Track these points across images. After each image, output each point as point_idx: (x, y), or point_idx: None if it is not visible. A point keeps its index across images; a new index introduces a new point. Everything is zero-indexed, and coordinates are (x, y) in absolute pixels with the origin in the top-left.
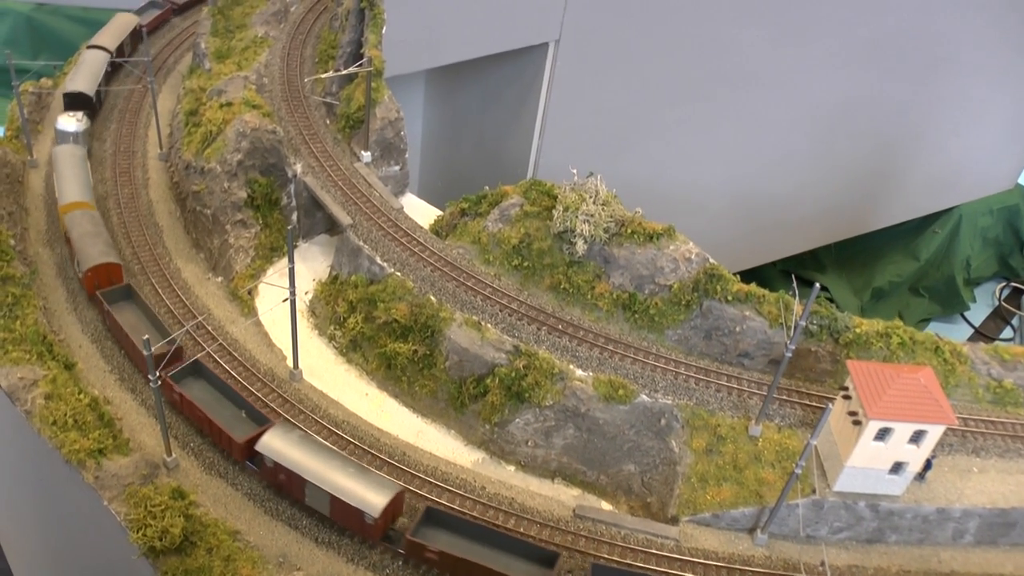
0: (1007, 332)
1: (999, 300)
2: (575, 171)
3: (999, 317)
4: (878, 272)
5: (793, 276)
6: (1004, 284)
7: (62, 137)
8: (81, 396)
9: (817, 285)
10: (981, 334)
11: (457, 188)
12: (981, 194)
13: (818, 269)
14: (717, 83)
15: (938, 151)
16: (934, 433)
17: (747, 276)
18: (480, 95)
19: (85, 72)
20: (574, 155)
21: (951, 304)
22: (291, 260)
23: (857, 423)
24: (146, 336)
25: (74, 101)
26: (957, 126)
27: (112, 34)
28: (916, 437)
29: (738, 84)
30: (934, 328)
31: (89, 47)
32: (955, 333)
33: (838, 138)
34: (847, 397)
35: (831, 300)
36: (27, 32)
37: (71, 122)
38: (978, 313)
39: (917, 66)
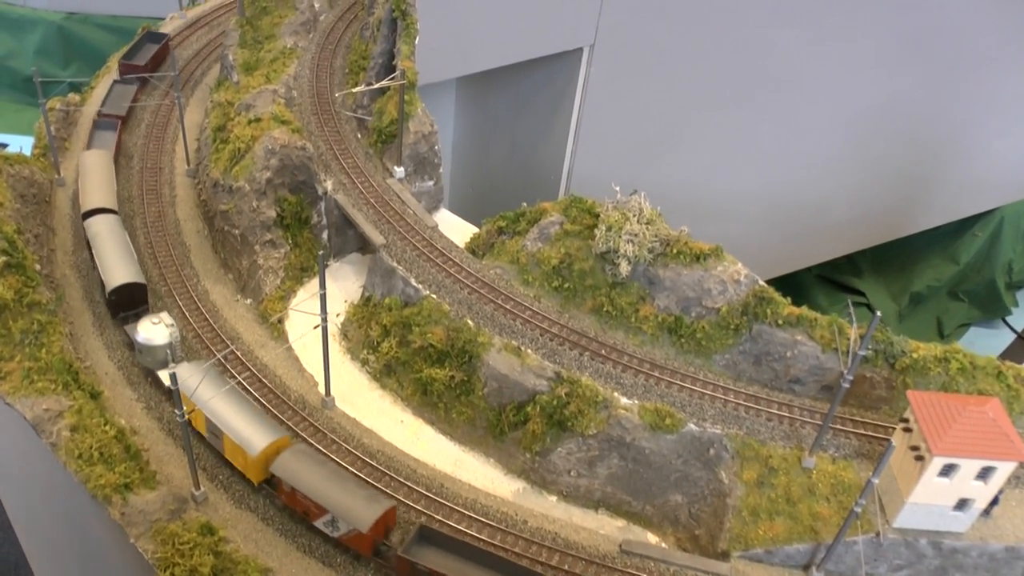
0: None
1: None
2: (618, 188)
3: None
4: (916, 276)
5: (849, 303)
6: None
7: (148, 352)
8: (107, 427)
9: (879, 313)
10: None
11: (489, 197)
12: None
13: (855, 274)
14: (752, 87)
15: (979, 152)
16: (1004, 470)
17: (783, 281)
18: (512, 101)
19: (119, 252)
20: (609, 162)
21: (992, 309)
22: (322, 286)
23: (920, 458)
24: (173, 371)
25: (125, 296)
26: (999, 125)
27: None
28: (984, 474)
29: (774, 87)
30: (974, 333)
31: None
32: (996, 338)
33: (876, 140)
34: (908, 430)
35: (867, 306)
36: (58, 41)
37: (159, 331)
38: (1021, 318)
39: (956, 65)
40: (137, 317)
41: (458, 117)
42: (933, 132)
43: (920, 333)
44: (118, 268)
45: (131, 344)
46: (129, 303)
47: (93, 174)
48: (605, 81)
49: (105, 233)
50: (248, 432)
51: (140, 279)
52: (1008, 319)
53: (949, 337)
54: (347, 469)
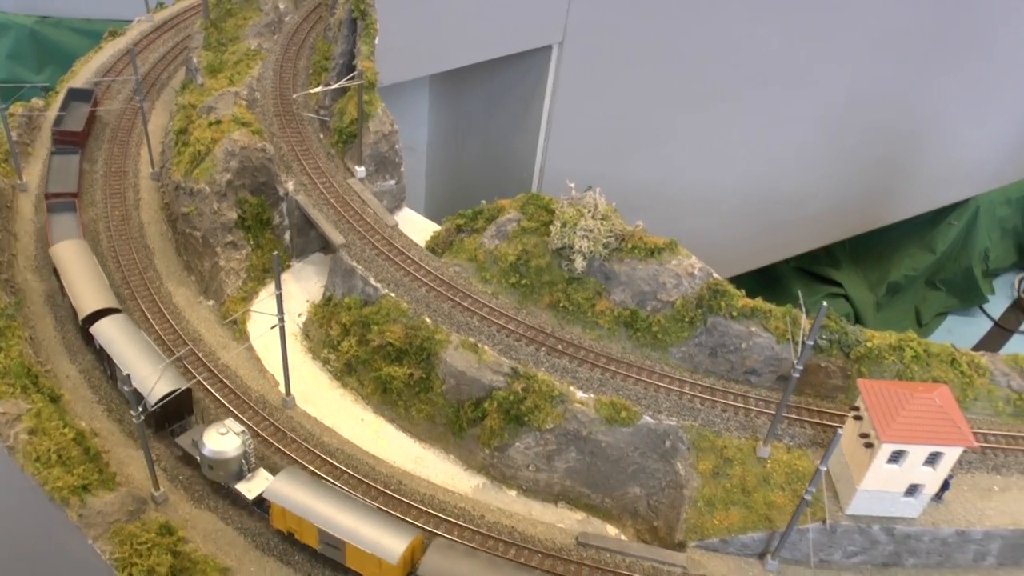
0: None
1: (1019, 291)
2: (572, 185)
3: (1019, 309)
4: (894, 266)
5: (800, 293)
6: (1023, 275)
7: (220, 465)
8: (66, 430)
9: (825, 304)
10: (1000, 326)
11: (463, 194)
12: (998, 184)
13: (832, 265)
14: (726, 81)
15: (954, 142)
16: (951, 455)
17: (761, 274)
18: (484, 99)
19: (148, 358)
20: (581, 158)
21: (969, 297)
22: (278, 287)
23: (869, 445)
24: (127, 372)
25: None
26: (973, 115)
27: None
28: (932, 459)
29: (748, 81)
30: (952, 321)
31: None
32: (974, 326)
33: (851, 132)
34: (858, 418)
35: (846, 297)
36: (31, 45)
37: (229, 441)
38: (997, 305)
39: (930, 56)
40: (183, 428)
41: (432, 115)
42: (907, 123)
43: (898, 322)
44: (160, 379)
45: (185, 457)
46: (175, 414)
47: (78, 272)
48: (575, 78)
49: (122, 338)
50: (377, 536)
51: (183, 383)
52: (985, 307)
53: (927, 326)
54: (499, 556)
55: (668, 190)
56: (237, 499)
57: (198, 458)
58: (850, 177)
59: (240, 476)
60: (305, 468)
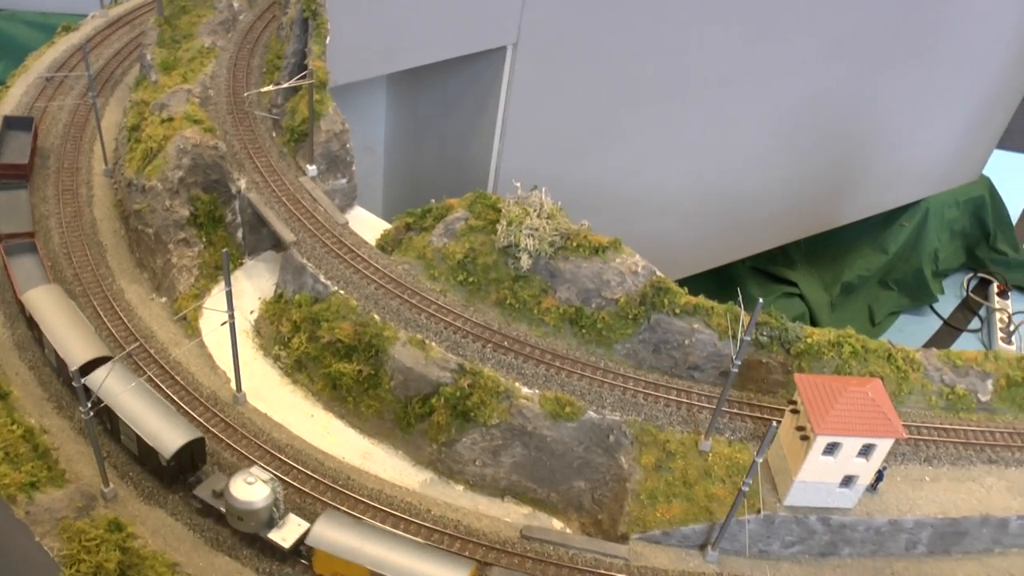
0: (975, 323)
1: (967, 291)
2: (519, 184)
3: (967, 308)
4: (847, 266)
5: (739, 292)
6: (971, 275)
7: (250, 516)
8: (15, 427)
9: (761, 300)
10: (950, 325)
11: (421, 193)
12: (947, 186)
13: (787, 265)
14: (680, 83)
15: (904, 144)
16: (883, 447)
17: (716, 273)
18: (441, 99)
19: (158, 410)
20: (536, 159)
21: (920, 296)
22: (228, 283)
23: (805, 438)
24: (76, 368)
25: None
26: (922, 119)
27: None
28: (865, 451)
29: (702, 83)
30: (904, 320)
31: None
32: (924, 325)
33: (804, 134)
34: (795, 411)
35: (801, 296)
36: None
37: (258, 491)
38: (947, 304)
39: (881, 59)
40: (198, 479)
41: (389, 115)
42: (859, 126)
43: (852, 321)
44: (168, 429)
45: (207, 509)
46: (190, 465)
47: (60, 321)
48: (530, 79)
49: (125, 391)
50: (433, 571)
51: (196, 433)
52: (935, 306)
53: (880, 325)
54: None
55: (624, 190)
56: (268, 548)
57: (223, 509)
58: (804, 178)
59: (271, 525)
60: (340, 509)
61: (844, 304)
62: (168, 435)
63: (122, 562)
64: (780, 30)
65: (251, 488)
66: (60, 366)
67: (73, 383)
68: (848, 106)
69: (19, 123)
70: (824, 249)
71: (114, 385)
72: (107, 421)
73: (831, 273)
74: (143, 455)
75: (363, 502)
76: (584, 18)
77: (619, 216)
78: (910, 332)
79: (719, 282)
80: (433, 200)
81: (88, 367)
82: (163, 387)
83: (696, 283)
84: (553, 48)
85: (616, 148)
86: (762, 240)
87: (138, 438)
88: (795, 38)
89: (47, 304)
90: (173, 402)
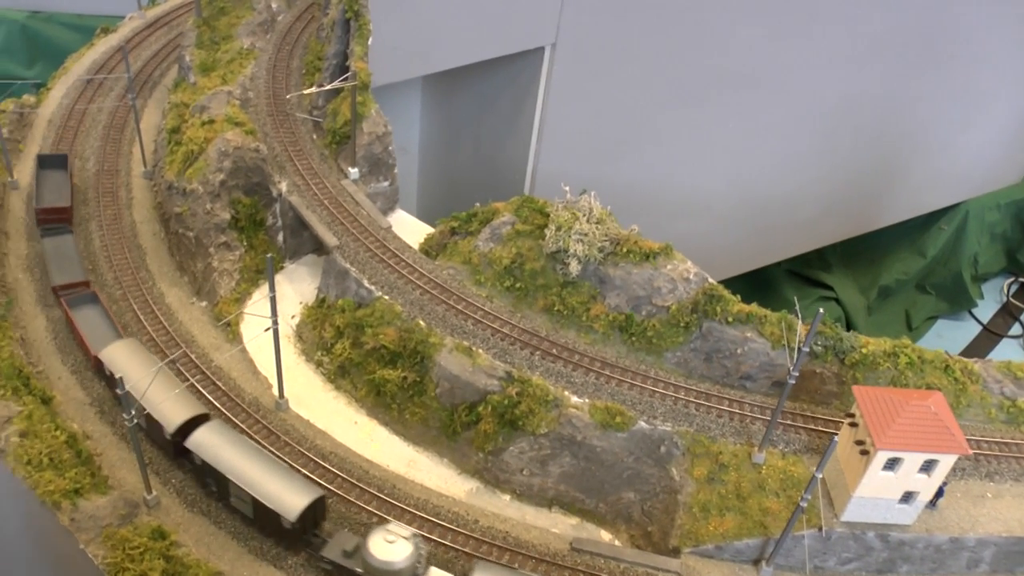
0: (1016, 329)
1: (1007, 296)
2: (567, 188)
3: (1008, 313)
4: (884, 270)
5: (796, 301)
6: (1012, 280)
7: None
8: (58, 433)
9: (821, 310)
10: (989, 331)
11: (455, 196)
12: (988, 189)
13: (824, 268)
14: (718, 83)
15: (944, 147)
16: (946, 463)
17: (752, 277)
18: (477, 100)
19: (265, 466)
20: (573, 160)
21: (959, 301)
22: (272, 289)
23: (865, 452)
24: (120, 375)
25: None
26: (962, 121)
27: None
28: (927, 467)
29: (739, 84)
30: (942, 325)
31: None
32: (963, 330)
33: (842, 136)
34: (853, 424)
35: (837, 300)
36: (22, 40)
37: (400, 549)
38: (986, 310)
39: (920, 61)
40: (322, 539)
41: (424, 116)
42: (898, 128)
43: (889, 326)
44: (287, 490)
45: (337, 570)
46: (312, 524)
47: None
48: (568, 79)
49: (226, 447)
50: None
51: (318, 492)
52: (974, 311)
53: (917, 330)
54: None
55: (660, 192)
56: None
57: (359, 570)
58: (841, 181)
59: None
60: (496, 563)
61: (881, 308)
62: (289, 496)
63: (166, 570)
64: (818, 30)
65: (392, 547)
66: (152, 427)
67: (175, 447)
68: (887, 107)
69: (53, 161)
70: (861, 252)
71: (216, 443)
72: (213, 482)
73: (868, 277)
74: (260, 518)
75: (410, 511)
76: (622, 18)
77: (653, 218)
78: (948, 337)
79: (754, 285)
80: (478, 204)
81: (188, 426)
82: (205, 393)
83: (731, 287)
84: (591, 49)
85: (652, 150)
86: (798, 243)
87: (254, 501)
88: (834, 39)
89: (128, 361)
90: (215, 408)
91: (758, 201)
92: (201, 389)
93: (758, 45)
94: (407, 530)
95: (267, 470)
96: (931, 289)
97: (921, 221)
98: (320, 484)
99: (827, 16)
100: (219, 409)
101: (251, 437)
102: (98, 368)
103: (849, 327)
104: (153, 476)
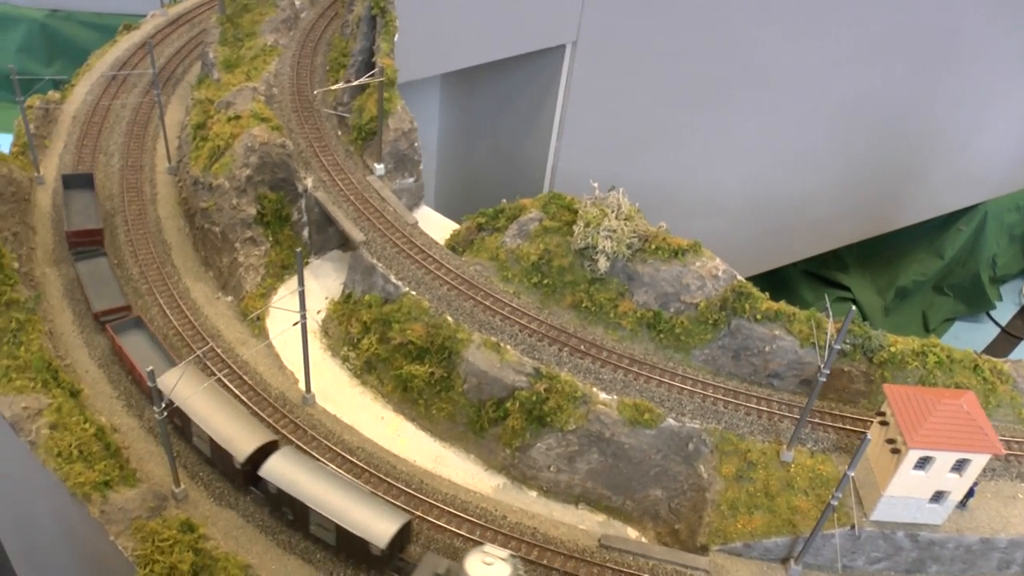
0: None
1: None
2: (596, 184)
3: None
4: (902, 271)
5: (826, 298)
6: None
7: None
8: (87, 425)
9: (854, 308)
10: (1008, 333)
11: (474, 193)
12: (1007, 190)
13: (840, 268)
14: (736, 83)
15: (963, 147)
16: (979, 462)
17: (769, 277)
18: (496, 98)
19: (351, 494)
20: (592, 158)
21: (977, 303)
22: (301, 283)
23: (896, 451)
24: (150, 368)
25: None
26: (982, 121)
27: None
28: (959, 466)
29: (758, 83)
30: (959, 327)
31: None
32: (981, 332)
33: (860, 136)
34: (884, 423)
35: (853, 301)
36: (41, 39)
37: (498, 572)
38: (1004, 312)
39: (939, 61)
40: (409, 563)
41: (443, 114)
42: (916, 128)
43: (905, 327)
44: (375, 516)
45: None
46: (399, 549)
47: (207, 406)
48: (588, 78)
49: (301, 474)
50: None
51: (406, 516)
52: (992, 313)
53: (934, 331)
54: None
55: (678, 191)
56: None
57: None
58: (859, 181)
59: None
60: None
61: (898, 309)
62: (377, 522)
63: (195, 563)
64: (837, 30)
65: (491, 569)
66: (218, 455)
67: (244, 475)
68: (905, 107)
69: (78, 181)
70: (878, 253)
71: (292, 470)
72: (290, 511)
73: (885, 278)
74: (345, 546)
75: (439, 507)
76: (642, 18)
77: (671, 216)
78: (966, 339)
79: (771, 285)
80: (504, 201)
81: (258, 455)
82: (232, 388)
83: None
84: (611, 47)
85: (670, 149)
86: (815, 243)
87: (339, 529)
88: (853, 38)
89: (187, 388)
90: (243, 403)
91: (775, 201)
92: (228, 383)
93: (777, 44)
94: (503, 552)
95: (349, 496)
96: (949, 290)
97: (939, 222)
98: (348, 477)
99: (846, 15)
100: (247, 404)
101: (279, 432)
102: (152, 395)
103: None
104: (180, 469)
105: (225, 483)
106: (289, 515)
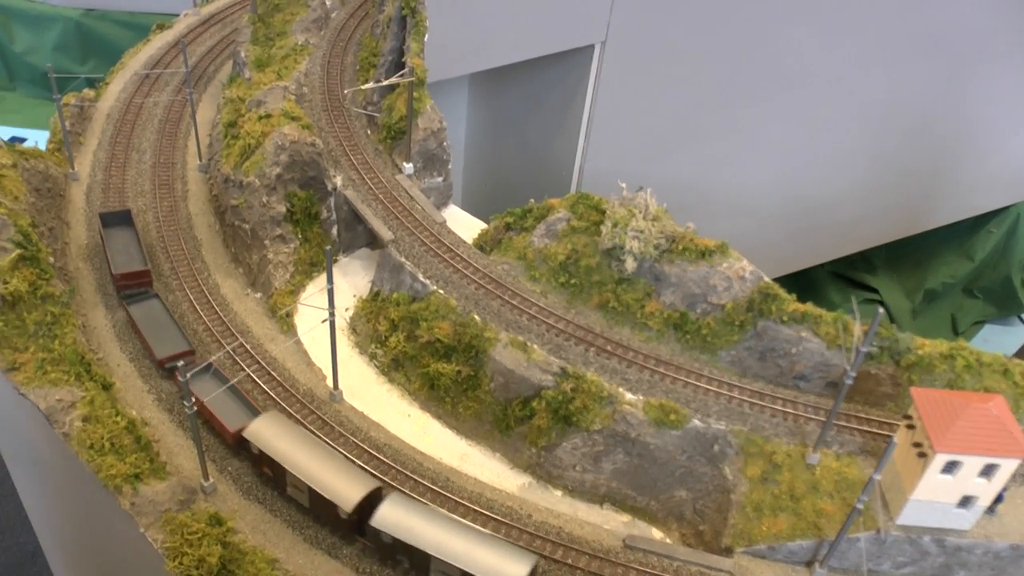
0: None
1: None
2: (624, 185)
3: None
4: (931, 273)
5: (853, 300)
6: None
7: None
8: (118, 418)
9: (881, 310)
10: None
11: (501, 193)
12: None
13: (868, 270)
14: (766, 83)
15: (994, 148)
16: (1008, 467)
17: (796, 278)
18: (525, 97)
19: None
20: (620, 158)
21: (1007, 305)
22: (330, 280)
23: (922, 455)
24: (182, 362)
25: None
26: (1014, 121)
27: None
28: (987, 471)
29: (787, 83)
30: (989, 330)
31: None
32: (1012, 335)
33: (890, 137)
34: (911, 427)
35: (881, 303)
36: (76, 37)
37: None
38: None
39: (972, 61)
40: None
41: (471, 113)
42: (947, 128)
43: (934, 330)
44: (503, 558)
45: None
46: None
47: (306, 455)
48: (617, 78)
49: (420, 520)
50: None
51: (532, 558)
52: (1023, 316)
53: (964, 334)
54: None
55: (706, 191)
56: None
57: None
58: (888, 182)
59: None
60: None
61: (926, 312)
62: (506, 564)
63: (223, 556)
64: (867, 30)
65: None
66: (318, 505)
67: (351, 525)
68: (936, 107)
69: (116, 219)
70: (907, 254)
71: (406, 518)
72: (406, 558)
73: (913, 280)
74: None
75: (464, 504)
76: (671, 17)
77: (699, 217)
78: (996, 342)
79: (798, 286)
80: (533, 200)
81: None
82: (261, 383)
83: None
84: (640, 47)
85: (699, 149)
86: (843, 245)
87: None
88: (882, 38)
89: (280, 438)
90: (271, 399)
91: (803, 201)
92: (257, 379)
93: (806, 44)
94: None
95: (474, 540)
96: (979, 293)
97: (969, 224)
98: (375, 475)
99: (875, 14)
100: (275, 399)
101: (306, 427)
102: (240, 444)
103: None
104: (209, 463)
105: (254, 478)
106: (405, 563)
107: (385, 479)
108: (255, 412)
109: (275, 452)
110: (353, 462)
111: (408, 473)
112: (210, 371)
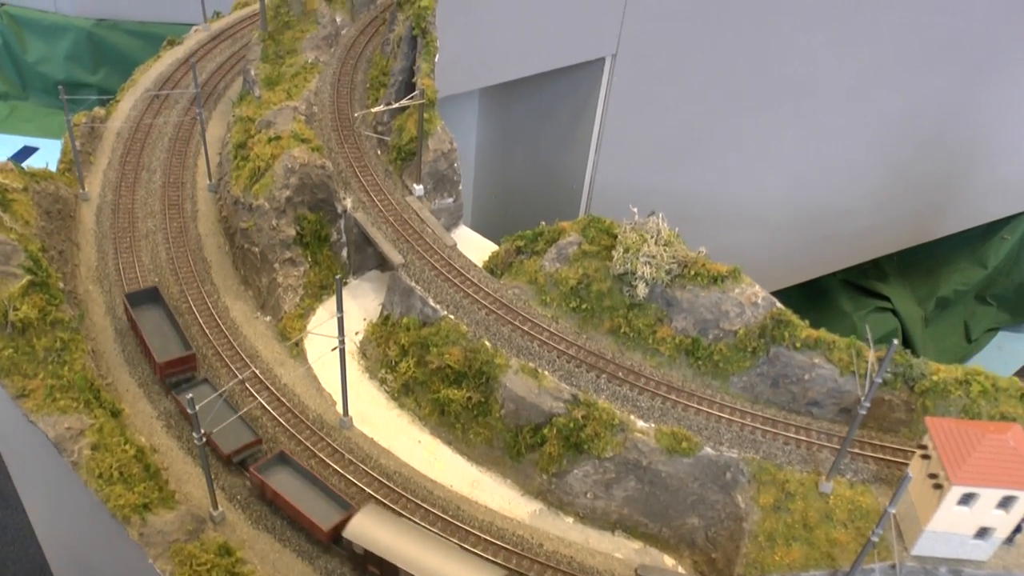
0: None
1: None
2: (635, 209)
3: None
4: (943, 280)
5: (867, 329)
6: None
7: None
8: (127, 446)
9: (895, 341)
10: None
11: (511, 208)
12: None
13: (880, 278)
14: (777, 93)
15: (1007, 154)
16: None
17: (808, 287)
18: (535, 110)
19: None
20: (631, 172)
21: (1021, 312)
22: (340, 309)
23: (938, 487)
24: (190, 395)
25: None
26: None
27: None
28: (1005, 503)
29: (799, 94)
30: (1003, 337)
31: None
32: None
33: (901, 144)
34: (926, 456)
35: (893, 311)
36: (88, 47)
37: None
38: None
39: (985, 68)
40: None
41: (480, 128)
42: (960, 135)
43: (947, 338)
44: None
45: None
46: None
47: (416, 546)
48: (627, 91)
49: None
50: None
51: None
52: None
53: (976, 342)
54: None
55: (718, 203)
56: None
57: None
58: (899, 189)
59: None
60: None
61: (939, 320)
62: None
63: None
64: (878, 38)
65: None
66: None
67: None
68: (948, 114)
69: (143, 298)
70: (919, 262)
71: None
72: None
73: (926, 287)
74: None
75: (475, 533)
76: (682, 29)
77: (712, 229)
78: (1009, 350)
79: (809, 295)
80: (543, 223)
81: None
82: (270, 409)
83: (785, 296)
84: (651, 59)
85: (711, 160)
86: (854, 254)
87: None
88: (894, 46)
89: (383, 534)
90: (280, 426)
91: (816, 211)
92: (267, 405)
93: (818, 54)
94: None
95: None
96: (992, 300)
97: (982, 231)
98: (384, 503)
99: (886, 22)
100: (284, 426)
101: (316, 456)
102: (338, 541)
103: (906, 338)
104: (219, 492)
105: (263, 507)
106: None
107: (395, 507)
108: (336, 499)
109: (385, 551)
110: (467, 550)
111: (418, 501)
112: (286, 461)
